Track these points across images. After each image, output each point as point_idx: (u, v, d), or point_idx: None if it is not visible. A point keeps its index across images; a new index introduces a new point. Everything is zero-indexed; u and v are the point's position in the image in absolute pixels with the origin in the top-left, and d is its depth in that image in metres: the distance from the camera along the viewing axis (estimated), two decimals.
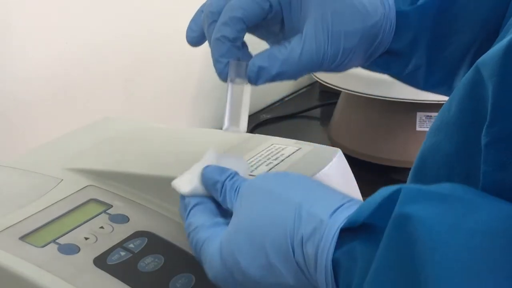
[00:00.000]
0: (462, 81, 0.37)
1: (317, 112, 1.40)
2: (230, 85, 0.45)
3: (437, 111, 1.20)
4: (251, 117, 1.35)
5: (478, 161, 0.33)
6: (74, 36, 0.91)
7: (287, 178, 0.40)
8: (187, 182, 0.43)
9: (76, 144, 0.62)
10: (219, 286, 0.41)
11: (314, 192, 0.39)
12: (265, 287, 0.38)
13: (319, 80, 1.13)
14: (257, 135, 0.58)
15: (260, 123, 1.32)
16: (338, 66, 0.47)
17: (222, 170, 0.43)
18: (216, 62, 0.45)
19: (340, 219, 0.36)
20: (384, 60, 0.51)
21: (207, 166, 0.43)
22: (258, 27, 0.47)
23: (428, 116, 1.04)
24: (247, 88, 0.45)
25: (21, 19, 0.83)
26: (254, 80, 0.45)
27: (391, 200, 0.34)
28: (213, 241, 0.40)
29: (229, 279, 0.39)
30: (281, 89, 1.48)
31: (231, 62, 0.44)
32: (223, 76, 0.45)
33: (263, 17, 0.46)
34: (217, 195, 0.42)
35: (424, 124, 1.04)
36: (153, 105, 1.10)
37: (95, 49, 0.95)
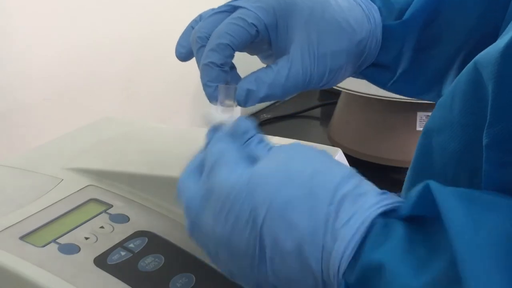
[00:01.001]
0: (461, 79, 0.37)
1: (317, 112, 1.40)
2: (219, 107, 0.46)
3: None
4: (251, 117, 1.35)
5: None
6: (74, 37, 0.91)
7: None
8: (217, 117, 0.44)
9: (76, 144, 0.62)
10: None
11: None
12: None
13: None
14: None
15: (260, 123, 1.32)
16: (325, 84, 0.48)
17: (256, 126, 0.42)
18: (205, 86, 0.46)
19: (382, 203, 0.35)
20: (369, 72, 0.51)
21: (241, 117, 0.43)
22: (246, 48, 0.48)
23: (428, 116, 1.04)
24: (237, 109, 0.47)
25: (21, 20, 0.83)
26: (243, 102, 0.46)
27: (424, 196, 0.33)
28: (236, 170, 0.38)
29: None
30: None
31: (220, 86, 0.46)
32: (213, 99, 0.46)
33: (251, 41, 0.47)
34: (241, 142, 0.41)
35: (424, 124, 1.04)
36: (153, 105, 1.10)
37: (95, 49, 0.95)
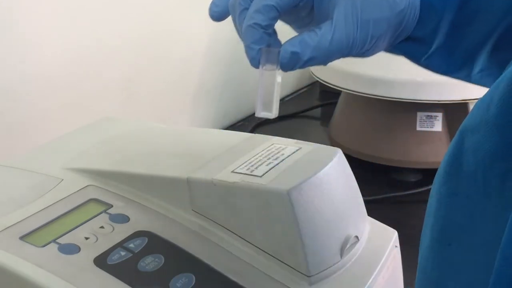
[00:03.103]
0: (502, 80, 0.37)
1: (317, 112, 1.40)
2: (262, 71, 0.46)
3: (437, 111, 1.21)
4: (251, 117, 1.36)
5: None
6: (74, 37, 0.91)
7: None
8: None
9: (76, 144, 0.62)
10: None
11: None
12: None
13: (319, 80, 1.13)
14: (257, 135, 0.58)
15: (260, 123, 1.32)
16: (365, 52, 0.49)
17: None
18: (248, 48, 0.46)
19: None
20: (404, 45, 0.52)
21: None
22: (286, 13, 0.48)
23: (428, 116, 1.04)
24: (278, 74, 0.46)
25: (21, 20, 0.83)
26: (286, 66, 0.46)
27: None
28: None
29: None
30: (281, 89, 1.48)
31: (263, 48, 0.45)
32: (254, 62, 0.46)
33: (296, 4, 0.47)
34: None
35: (424, 124, 1.04)
36: (153, 105, 1.10)
37: (95, 49, 0.95)
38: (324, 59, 0.47)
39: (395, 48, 0.52)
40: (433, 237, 0.40)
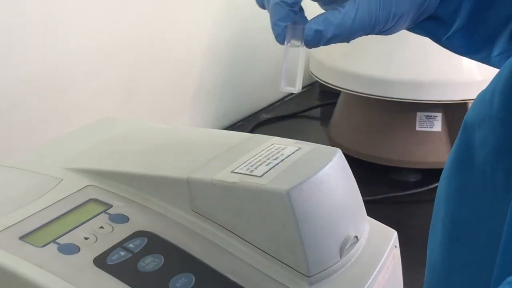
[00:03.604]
0: (502, 73, 0.37)
1: (317, 112, 1.40)
2: (287, 48, 0.47)
3: (436, 111, 1.20)
4: (251, 117, 1.36)
5: None
6: (74, 37, 0.91)
7: None
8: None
9: (76, 144, 0.62)
10: None
11: None
12: None
13: (318, 80, 1.13)
14: (257, 135, 0.58)
15: (260, 123, 1.32)
16: (387, 30, 0.49)
17: None
18: (274, 25, 0.47)
19: None
20: (426, 24, 0.52)
21: None
22: None
23: (428, 116, 1.04)
24: (303, 51, 0.48)
25: (21, 20, 0.83)
26: (310, 43, 0.47)
27: None
28: None
29: None
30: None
31: (289, 26, 0.47)
32: (280, 39, 0.47)
33: None
34: None
35: (424, 124, 1.04)
36: (153, 105, 1.10)
37: (95, 49, 0.95)
38: (346, 36, 0.48)
39: (417, 26, 0.53)
40: (443, 233, 0.40)
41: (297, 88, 0.48)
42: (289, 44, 0.47)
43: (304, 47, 0.47)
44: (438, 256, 0.41)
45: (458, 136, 0.41)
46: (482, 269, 0.36)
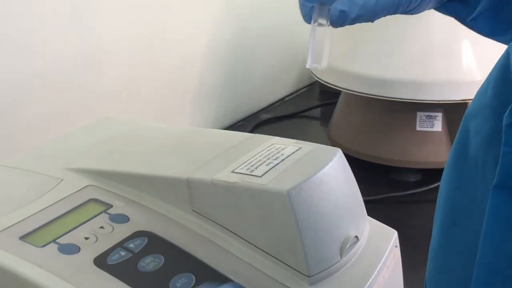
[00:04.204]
0: (497, 64, 0.37)
1: (317, 112, 1.40)
2: (313, 27, 0.49)
3: (437, 111, 1.20)
4: (251, 117, 1.36)
5: None
6: (74, 37, 0.91)
7: None
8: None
9: (76, 144, 0.62)
10: None
11: None
12: None
13: (319, 80, 1.13)
14: (257, 135, 0.58)
15: (260, 123, 1.32)
16: (411, 10, 0.50)
17: None
18: (302, 6, 0.49)
19: None
20: (451, 5, 0.52)
21: None
22: None
23: (428, 116, 1.04)
24: (329, 30, 0.49)
25: (21, 20, 0.83)
26: (335, 22, 0.48)
27: None
28: None
29: None
30: (281, 89, 1.48)
31: (315, 6, 0.49)
32: (307, 18, 0.49)
33: None
34: None
35: (424, 124, 1.04)
36: (153, 105, 1.10)
37: (95, 49, 0.95)
38: (370, 17, 0.48)
39: (442, 6, 0.53)
40: (442, 217, 0.41)
41: (322, 66, 0.50)
42: (315, 24, 0.49)
43: (330, 27, 0.48)
44: (437, 241, 0.42)
45: (458, 130, 0.41)
46: (472, 254, 0.36)
